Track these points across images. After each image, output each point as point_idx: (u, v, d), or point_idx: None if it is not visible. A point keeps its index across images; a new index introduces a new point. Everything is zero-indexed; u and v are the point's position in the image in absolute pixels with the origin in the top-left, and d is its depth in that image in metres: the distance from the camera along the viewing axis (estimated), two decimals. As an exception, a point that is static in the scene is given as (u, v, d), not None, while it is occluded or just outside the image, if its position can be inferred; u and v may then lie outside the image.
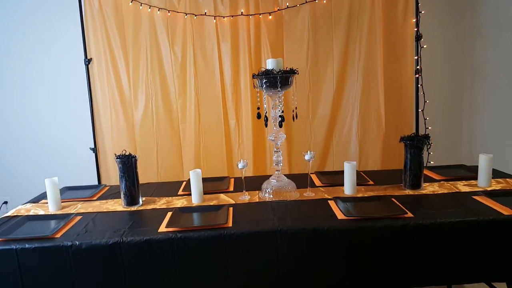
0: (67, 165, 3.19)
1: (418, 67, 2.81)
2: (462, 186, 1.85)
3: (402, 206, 1.61)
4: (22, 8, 3.03)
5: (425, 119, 2.90)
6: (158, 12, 2.85)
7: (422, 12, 2.78)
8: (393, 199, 1.71)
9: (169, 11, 2.84)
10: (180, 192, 2.03)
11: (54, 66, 3.10)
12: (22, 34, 3.07)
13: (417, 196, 1.78)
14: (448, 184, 1.89)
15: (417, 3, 2.76)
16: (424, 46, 2.81)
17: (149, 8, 2.84)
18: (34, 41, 3.08)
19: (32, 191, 2.54)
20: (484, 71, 2.99)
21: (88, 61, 2.95)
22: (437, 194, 1.78)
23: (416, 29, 2.79)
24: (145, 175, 2.92)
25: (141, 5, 2.84)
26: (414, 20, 2.78)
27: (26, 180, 3.21)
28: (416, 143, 1.79)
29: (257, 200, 1.83)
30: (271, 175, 1.94)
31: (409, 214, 1.54)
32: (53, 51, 3.08)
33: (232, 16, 2.84)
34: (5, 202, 3.28)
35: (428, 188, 1.85)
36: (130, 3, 2.84)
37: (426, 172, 2.09)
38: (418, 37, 2.78)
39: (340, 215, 1.57)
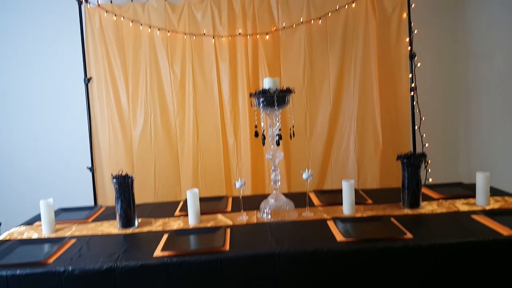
0: (63, 184, 3.17)
1: (412, 85, 2.84)
2: (461, 205, 1.84)
3: (402, 227, 1.59)
4: (24, 25, 3.08)
5: (421, 136, 2.91)
6: (158, 32, 2.89)
7: (415, 31, 2.83)
8: (392, 219, 1.70)
9: (168, 31, 2.89)
10: (177, 212, 2.00)
11: (53, 85, 3.12)
12: (23, 52, 3.10)
13: (416, 216, 1.76)
14: (447, 203, 1.88)
15: (409, 23, 2.82)
16: (418, 65, 2.85)
17: (149, 28, 2.89)
18: (34, 59, 3.11)
19: (27, 211, 2.51)
20: (478, 89, 3.03)
21: (88, 80, 2.97)
22: (436, 214, 1.76)
23: (409, 48, 2.83)
24: (142, 194, 2.91)
25: (141, 26, 2.89)
26: (408, 39, 2.83)
27: (21, 200, 3.18)
28: (413, 162, 1.78)
29: (255, 221, 1.81)
30: (269, 194, 1.93)
31: (409, 235, 1.52)
32: (53, 70, 3.11)
33: (230, 36, 2.88)
34: (-1, 223, 3.24)
35: (427, 207, 1.84)
36: (131, 24, 2.89)
37: (424, 190, 2.08)
38: (411, 56, 2.82)
39: (339, 237, 1.55)
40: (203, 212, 1.90)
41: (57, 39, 3.07)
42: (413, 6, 2.81)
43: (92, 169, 3.02)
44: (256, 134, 1.87)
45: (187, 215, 1.86)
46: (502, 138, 3.07)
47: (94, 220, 1.96)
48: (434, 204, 1.87)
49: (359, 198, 1.99)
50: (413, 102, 2.86)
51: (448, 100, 3.06)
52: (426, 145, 2.91)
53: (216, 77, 2.93)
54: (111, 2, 2.91)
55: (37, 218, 2.01)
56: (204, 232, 1.70)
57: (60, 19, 3.03)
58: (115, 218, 1.88)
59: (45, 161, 3.18)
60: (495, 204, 1.83)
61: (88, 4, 2.90)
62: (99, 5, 2.89)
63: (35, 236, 1.77)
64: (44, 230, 1.80)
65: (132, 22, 2.88)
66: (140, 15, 2.90)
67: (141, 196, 2.90)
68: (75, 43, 2.97)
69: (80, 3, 2.90)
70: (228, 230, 1.69)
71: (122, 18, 2.88)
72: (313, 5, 2.85)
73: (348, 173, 2.93)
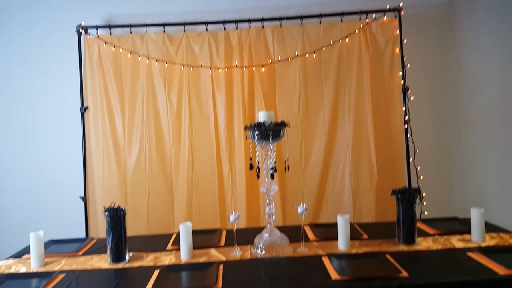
0: (56, 213, 3.12)
1: (406, 118, 2.88)
2: (457, 242, 1.82)
3: (397, 265, 1.57)
4: (23, 53, 3.12)
5: (416, 168, 2.92)
6: (156, 63, 2.95)
7: (408, 66, 2.90)
8: (387, 255, 1.67)
9: (166, 62, 2.94)
10: (169, 246, 1.96)
11: (49, 113, 3.13)
12: (21, 79, 3.13)
13: (412, 253, 1.74)
14: (442, 239, 1.86)
15: (402, 57, 2.90)
16: (412, 98, 2.91)
17: (147, 59, 2.94)
18: (32, 87, 3.13)
19: (18, 242, 2.45)
20: (470, 122, 3.07)
21: (84, 109, 2.99)
22: (431, 251, 1.74)
23: (402, 82, 2.89)
24: (134, 224, 2.87)
25: (139, 57, 2.94)
26: (400, 73, 2.90)
27: (11, 230, 3.11)
28: (407, 197, 1.78)
29: (249, 257, 1.78)
30: (264, 227, 1.91)
31: (404, 274, 1.49)
32: (50, 98, 3.13)
33: (227, 68, 2.94)
34: (-11, 253, 3.15)
35: (423, 244, 1.82)
36: (129, 55, 2.94)
37: (419, 225, 2.06)
38: (405, 90, 2.88)
39: (334, 275, 1.52)
40: (195, 246, 1.86)
41: (55, 68, 3.11)
42: (405, 41, 2.89)
43: (84, 198, 2.99)
44: (251, 167, 1.87)
45: (179, 249, 1.83)
46: (496, 170, 3.08)
47: (84, 253, 1.92)
48: (430, 240, 1.85)
49: (355, 232, 1.97)
50: (407, 135, 2.90)
51: (441, 133, 3.10)
52: (421, 177, 2.92)
53: (212, 107, 2.96)
54: (110, 33, 2.97)
55: (26, 250, 1.97)
56: (196, 268, 1.67)
57: (59, 49, 3.08)
58: (106, 252, 1.84)
59: (37, 189, 3.14)
60: (490, 240, 1.81)
61: (88, 35, 2.96)
62: (98, 36, 2.95)
63: (23, 270, 1.74)
64: (33, 263, 1.76)
65: (130, 53, 2.94)
66: (139, 46, 2.96)
67: (133, 226, 2.86)
68: (73, 73, 3.02)
69: (79, 34, 2.96)
70: (221, 267, 1.65)
71: (120, 49, 2.94)
72: (308, 40, 2.93)
73: (344, 205, 2.91)
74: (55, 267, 1.74)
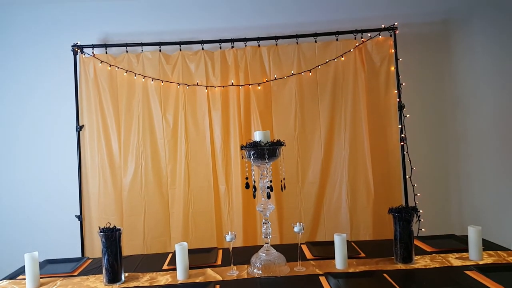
0: (51, 232, 3.09)
1: (402, 135, 2.90)
2: (454, 260, 1.82)
3: (395, 283, 1.57)
4: (18, 72, 3.13)
5: (413, 185, 2.92)
6: (152, 82, 2.97)
7: (403, 84, 2.94)
8: (385, 274, 1.67)
9: (162, 81, 2.97)
10: (165, 266, 1.95)
11: (44, 132, 3.13)
12: (16, 97, 3.13)
13: (409, 271, 1.73)
14: (440, 257, 1.86)
15: (397, 75, 2.93)
16: (407, 116, 2.93)
17: (143, 78, 2.97)
18: (27, 105, 3.13)
19: (13, 261, 2.43)
20: (466, 140, 3.11)
21: (80, 128, 2.99)
22: (429, 269, 1.73)
23: (398, 100, 2.92)
24: (131, 243, 2.84)
25: (135, 75, 2.97)
26: (396, 91, 2.93)
27: (6, 249, 3.08)
28: (404, 216, 1.79)
29: (246, 276, 1.76)
30: (261, 246, 1.90)
31: (402, 293, 1.49)
32: (45, 117, 3.13)
33: (223, 86, 2.96)
34: (-19, 273, 3.10)
35: (420, 262, 1.81)
36: (125, 73, 2.97)
37: (417, 242, 2.07)
38: (400, 107, 2.90)
39: (331, 295, 1.51)
40: (192, 265, 1.85)
41: (51, 87, 3.12)
42: (400, 60, 2.93)
43: (80, 217, 2.96)
44: (247, 186, 1.88)
45: (175, 269, 1.81)
46: (493, 187, 3.10)
47: (80, 274, 1.91)
48: (427, 259, 1.85)
49: (352, 251, 1.97)
50: (404, 152, 2.91)
51: (438, 150, 3.12)
52: (418, 194, 2.92)
53: (209, 125, 2.97)
54: (106, 52, 3.00)
55: (21, 270, 1.95)
56: (193, 288, 1.65)
57: (55, 68, 3.10)
58: (101, 272, 1.83)
59: (32, 208, 3.11)
60: (488, 259, 1.81)
61: (83, 54, 2.99)
62: (94, 55, 2.99)
63: (16, 292, 1.71)
64: (28, 285, 1.75)
65: (126, 72, 2.97)
66: (135, 65, 2.99)
67: (129, 245, 2.84)
68: (68, 91, 3.03)
69: (75, 53, 2.99)
70: (218, 287, 1.64)
71: (116, 68, 2.97)
72: (303, 58, 2.96)
73: (341, 222, 2.90)
74: (50, 288, 1.73)
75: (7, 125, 3.14)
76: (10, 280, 1.86)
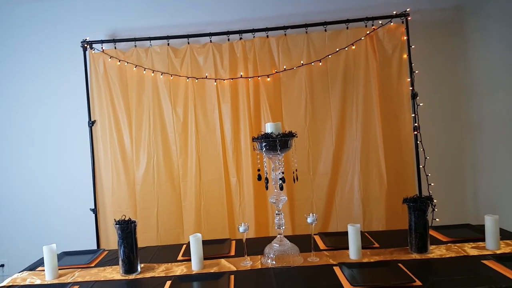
0: (66, 225, 3.15)
1: (415, 124, 2.86)
2: (470, 249, 1.79)
3: (410, 273, 1.55)
4: (30, 70, 3.17)
5: (427, 175, 2.89)
6: (161, 76, 2.98)
7: (416, 72, 2.88)
8: (400, 264, 1.66)
9: (171, 75, 2.97)
10: (179, 257, 1.97)
11: (58, 128, 3.17)
12: (29, 95, 3.18)
13: (424, 261, 1.71)
14: (456, 247, 1.83)
15: (410, 63, 2.87)
16: (421, 104, 2.88)
17: (153, 72, 2.97)
18: (40, 102, 3.18)
19: (30, 253, 2.49)
20: (481, 127, 3.04)
21: (92, 123, 3.02)
22: (444, 259, 1.72)
23: (411, 88, 2.87)
24: (144, 235, 2.88)
25: (144, 70, 2.97)
26: (409, 79, 2.88)
27: (24, 242, 3.15)
28: (419, 206, 1.77)
29: (259, 267, 1.77)
30: (273, 236, 1.90)
31: (418, 282, 1.48)
32: (58, 113, 3.17)
33: (232, 79, 2.95)
34: (2, 265, 3.18)
35: (435, 252, 1.79)
36: (134, 68, 2.98)
37: (431, 232, 2.04)
38: (413, 96, 2.86)
39: (346, 284, 1.51)
40: (206, 256, 1.86)
41: (62, 83, 3.15)
42: (413, 47, 2.87)
43: (95, 210, 3.01)
44: (259, 178, 1.88)
45: (190, 259, 1.83)
46: (508, 175, 3.04)
47: (96, 265, 1.94)
48: (443, 248, 1.83)
49: (365, 241, 1.95)
50: (417, 141, 2.87)
51: (452, 139, 3.06)
52: (432, 184, 2.88)
53: (218, 118, 2.97)
54: (115, 47, 3.01)
55: (40, 262, 2.00)
56: (208, 278, 1.67)
57: (65, 64, 3.13)
58: (117, 263, 1.87)
59: (48, 202, 3.17)
60: (505, 248, 1.78)
61: (93, 50, 3.00)
62: (103, 50, 3.00)
63: (37, 282, 1.76)
64: (47, 276, 1.79)
65: (136, 66, 2.97)
66: (144, 59, 2.99)
67: (143, 237, 2.87)
68: (79, 87, 3.06)
69: (84, 49, 3.01)
70: (232, 277, 1.65)
71: (126, 63, 2.98)
72: (313, 48, 2.92)
73: (353, 213, 2.88)
74: (69, 279, 1.77)
75: (22, 122, 3.19)
76: (30, 272, 1.90)
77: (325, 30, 2.92)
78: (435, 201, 2.67)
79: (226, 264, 1.81)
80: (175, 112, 3.00)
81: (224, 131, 2.99)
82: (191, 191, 2.98)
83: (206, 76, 2.97)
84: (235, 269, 1.75)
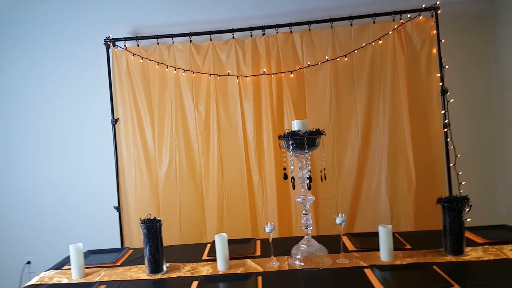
0: (90, 223, 3.18)
1: (446, 121, 2.74)
2: (509, 252, 1.70)
3: (447, 277, 1.48)
4: (54, 69, 3.20)
5: (457, 174, 2.77)
6: (183, 73, 2.96)
7: (446, 67, 2.77)
8: (434, 267, 1.59)
9: (193, 72, 2.95)
10: (204, 256, 1.95)
11: (81, 126, 3.20)
12: (53, 94, 3.21)
13: (461, 264, 1.64)
14: (493, 249, 1.74)
15: (440, 58, 2.76)
16: (451, 101, 2.77)
17: (175, 70, 2.96)
18: (63, 101, 3.21)
19: (55, 250, 2.53)
20: (515, 123, 2.90)
21: (115, 121, 3.04)
22: (482, 261, 1.63)
23: (441, 84, 2.76)
24: (168, 233, 2.87)
25: (167, 67, 2.97)
26: (438, 74, 2.77)
27: (49, 239, 3.21)
28: (455, 206, 1.68)
29: (287, 268, 1.73)
30: (298, 237, 1.86)
31: (456, 286, 1.41)
32: (81, 111, 3.20)
33: (255, 76, 2.91)
34: (28, 262, 3.25)
35: (472, 254, 1.71)
36: (157, 66, 2.97)
37: (466, 234, 1.94)
38: (443, 92, 2.74)
39: (379, 287, 1.45)
40: (231, 256, 1.83)
41: (85, 81, 3.18)
42: (442, 41, 2.76)
43: (118, 208, 3.03)
44: (285, 177, 1.83)
45: (215, 259, 1.81)
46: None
47: (122, 264, 1.94)
48: (480, 251, 1.74)
49: (396, 242, 1.88)
50: (447, 139, 2.75)
51: (483, 136, 2.93)
52: (463, 183, 2.77)
53: (241, 115, 2.94)
54: (137, 45, 3.01)
55: (66, 261, 2.01)
56: (235, 279, 1.65)
57: (88, 63, 3.15)
58: (143, 262, 1.86)
59: (72, 200, 3.21)
60: (548, 251, 1.68)
61: (116, 48, 3.02)
62: (126, 48, 3.00)
63: (65, 281, 1.77)
64: (73, 275, 1.79)
65: (158, 64, 2.97)
66: (166, 57, 2.98)
67: (166, 235, 2.84)
68: (103, 85, 3.07)
69: (107, 47, 3.02)
70: (260, 278, 1.62)
71: (148, 60, 2.98)
72: (338, 43, 2.84)
73: (380, 213, 2.80)
74: (95, 278, 1.77)
75: (47, 122, 3.23)
76: (57, 270, 1.92)
77: (351, 25, 2.84)
78: (471, 204, 2.57)
79: (252, 265, 1.78)
80: (197, 110, 2.98)
81: (246, 128, 2.95)
82: (213, 190, 2.96)
83: (228, 73, 2.94)
84: (262, 270, 1.72)
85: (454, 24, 2.87)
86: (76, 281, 1.75)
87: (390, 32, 2.78)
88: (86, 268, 1.86)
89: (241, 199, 2.95)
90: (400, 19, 2.79)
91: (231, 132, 2.96)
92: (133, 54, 2.98)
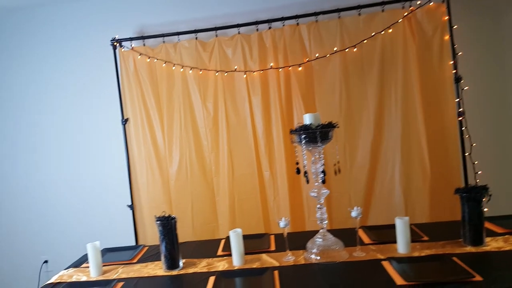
0: (105, 222, 3.21)
1: (460, 109, 2.68)
2: (531, 241, 1.66)
3: (467, 267, 1.45)
4: (62, 71, 3.22)
5: (473, 163, 2.71)
6: (190, 71, 2.95)
7: (460, 53, 2.70)
8: (454, 258, 1.56)
9: (200, 69, 2.94)
10: (219, 252, 1.95)
11: (92, 127, 3.23)
12: (63, 96, 3.24)
13: (481, 254, 1.60)
14: (514, 239, 1.71)
15: (452, 45, 2.68)
16: (465, 88, 2.70)
17: (182, 68, 2.96)
18: (73, 103, 3.23)
19: (71, 249, 2.56)
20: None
21: (125, 121, 3.05)
22: (504, 252, 1.60)
23: (454, 71, 2.69)
24: (180, 230, 2.83)
25: (173, 66, 2.96)
26: (451, 62, 2.70)
27: (65, 238, 3.25)
28: (473, 196, 1.65)
29: (303, 262, 1.72)
30: (312, 231, 1.85)
31: (478, 277, 1.38)
32: (92, 112, 3.22)
33: (262, 70, 2.88)
34: (46, 261, 3.30)
35: (492, 244, 1.68)
36: (164, 65, 2.97)
37: (485, 224, 1.91)
38: (457, 79, 2.68)
39: (399, 280, 1.43)
40: (246, 251, 1.83)
41: (94, 82, 3.19)
42: (455, 27, 2.68)
43: (132, 207, 3.05)
44: (298, 172, 1.81)
45: (230, 255, 1.81)
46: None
47: (138, 261, 1.95)
48: (500, 241, 1.71)
49: (413, 234, 1.84)
50: (462, 128, 2.69)
51: (500, 124, 2.86)
52: (479, 172, 2.71)
53: (249, 111, 2.92)
54: (143, 44, 3.01)
55: (84, 259, 2.03)
56: (251, 274, 1.65)
57: (96, 64, 3.16)
58: (159, 259, 1.88)
59: (87, 200, 3.24)
60: None
61: (122, 48, 3.02)
62: (132, 48, 3.00)
63: (83, 279, 1.80)
64: (92, 272, 1.82)
65: (165, 63, 2.96)
66: (172, 55, 2.97)
67: (179, 232, 2.83)
68: (111, 86, 3.08)
69: (114, 48, 3.03)
70: (276, 272, 1.61)
71: (155, 59, 2.97)
72: (347, 33, 2.79)
73: (394, 205, 2.75)
74: (113, 275, 1.79)
75: (58, 124, 3.26)
76: (75, 268, 1.95)
77: (359, 14, 2.78)
78: (491, 194, 2.52)
79: (268, 260, 1.78)
80: (205, 107, 2.97)
81: (255, 124, 2.93)
82: (224, 186, 2.96)
83: (235, 69, 2.92)
84: (278, 264, 1.71)
85: (466, 9, 2.79)
86: (94, 279, 1.77)
87: (399, 20, 2.72)
88: (104, 266, 1.88)
89: (252, 194, 2.94)
90: (410, 6, 2.72)
91: (240, 128, 2.95)
92: (140, 54, 2.98)
